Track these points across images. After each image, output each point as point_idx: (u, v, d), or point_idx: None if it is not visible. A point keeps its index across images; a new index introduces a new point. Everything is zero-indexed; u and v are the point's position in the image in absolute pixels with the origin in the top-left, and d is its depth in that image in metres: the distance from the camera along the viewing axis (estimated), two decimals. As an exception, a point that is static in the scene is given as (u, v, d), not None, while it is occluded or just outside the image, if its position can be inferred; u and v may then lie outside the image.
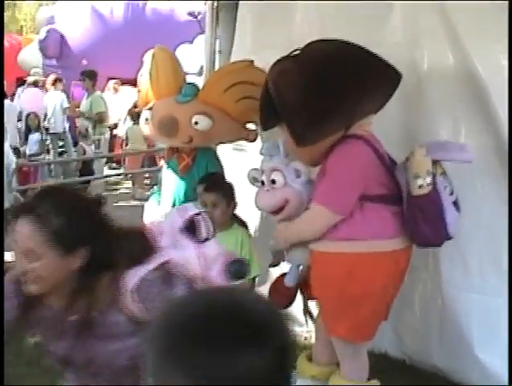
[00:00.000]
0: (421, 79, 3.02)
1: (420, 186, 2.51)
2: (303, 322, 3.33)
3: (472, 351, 3.06)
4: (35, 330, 1.86)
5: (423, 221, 2.55)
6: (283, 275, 2.95)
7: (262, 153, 2.90)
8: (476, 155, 2.75)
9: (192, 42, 10.29)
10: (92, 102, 8.64)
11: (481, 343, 3.04)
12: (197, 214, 1.80)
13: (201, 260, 1.73)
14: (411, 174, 2.52)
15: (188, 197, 3.34)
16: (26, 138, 9.05)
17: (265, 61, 3.39)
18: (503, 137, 2.83)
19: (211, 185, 3.10)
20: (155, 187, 3.79)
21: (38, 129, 9.16)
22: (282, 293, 2.93)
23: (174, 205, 3.39)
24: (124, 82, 10.81)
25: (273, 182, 2.75)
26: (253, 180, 2.89)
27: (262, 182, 2.80)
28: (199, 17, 12.87)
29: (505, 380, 2.79)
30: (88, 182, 8.40)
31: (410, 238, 2.64)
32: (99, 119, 8.76)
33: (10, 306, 1.67)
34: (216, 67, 4.25)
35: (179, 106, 3.30)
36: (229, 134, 3.45)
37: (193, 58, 9.03)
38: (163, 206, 3.48)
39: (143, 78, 3.52)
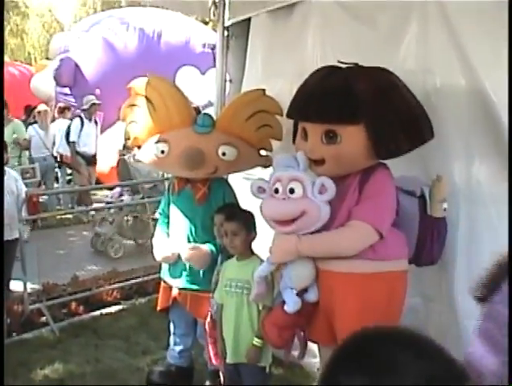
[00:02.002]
0: (435, 105, 2.98)
1: (445, 209, 2.81)
2: (316, 352, 3.25)
3: (494, 385, 2.97)
4: None
5: (437, 241, 2.84)
6: (278, 306, 2.83)
7: (275, 165, 2.84)
8: (490, 181, 2.86)
9: (203, 73, 10.34)
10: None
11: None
12: None
13: None
14: (437, 199, 2.79)
15: (205, 227, 3.34)
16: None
17: (275, 89, 3.42)
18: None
19: (232, 214, 3.10)
20: (159, 220, 3.66)
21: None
22: (282, 326, 2.85)
23: (189, 236, 3.38)
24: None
25: (291, 191, 2.65)
26: (258, 190, 2.78)
27: (276, 191, 2.70)
28: (215, 49, 12.95)
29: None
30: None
31: (415, 258, 2.86)
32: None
33: None
34: (227, 96, 4.25)
35: (202, 137, 3.27)
36: (249, 162, 3.46)
37: (202, 90, 9.14)
38: (175, 237, 3.46)
39: (138, 109, 3.37)
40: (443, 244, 2.89)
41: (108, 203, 7.63)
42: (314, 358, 3.49)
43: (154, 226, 3.68)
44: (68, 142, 8.98)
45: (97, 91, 11.11)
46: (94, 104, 9.09)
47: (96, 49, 12.30)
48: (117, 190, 7.73)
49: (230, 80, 4.21)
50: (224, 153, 3.22)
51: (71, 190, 9.89)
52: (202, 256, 3.29)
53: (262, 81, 3.89)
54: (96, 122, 9.37)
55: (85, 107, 9.13)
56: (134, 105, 3.42)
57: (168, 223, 3.53)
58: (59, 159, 9.51)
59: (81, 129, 8.94)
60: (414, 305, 3.09)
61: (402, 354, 1.07)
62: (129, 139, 3.63)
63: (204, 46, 11.89)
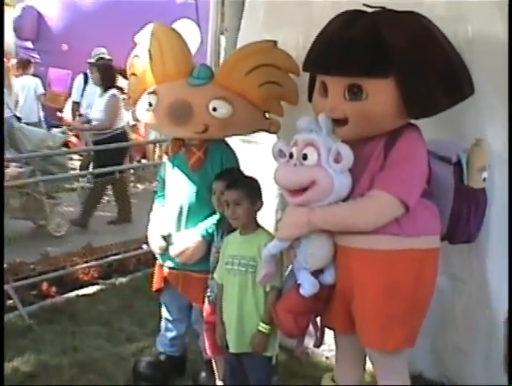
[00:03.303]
0: (467, 58, 2.85)
1: (484, 180, 2.75)
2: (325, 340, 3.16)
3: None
4: None
5: (474, 216, 2.79)
6: (293, 290, 2.75)
7: (298, 128, 2.73)
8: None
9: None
10: None
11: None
12: None
13: None
14: (476, 167, 2.71)
15: (201, 196, 3.24)
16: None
17: (279, 41, 3.28)
18: None
19: (233, 181, 2.98)
20: (158, 188, 3.60)
21: None
22: (298, 312, 2.76)
23: (183, 207, 3.28)
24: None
25: (304, 157, 2.58)
26: (279, 153, 2.73)
27: (291, 155, 2.64)
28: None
29: None
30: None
31: (448, 234, 2.81)
32: None
33: None
34: (222, 41, 4.11)
35: (194, 90, 3.15)
36: (248, 124, 3.29)
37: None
38: (170, 208, 3.36)
39: (139, 60, 3.35)
40: (481, 219, 2.83)
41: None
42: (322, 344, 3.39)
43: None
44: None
45: (64, 46, 10.85)
46: (103, 58, 8.45)
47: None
48: None
49: (226, 30, 4.05)
50: (214, 109, 3.09)
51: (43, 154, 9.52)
52: (193, 254, 3.23)
53: (263, 31, 3.73)
54: None
55: (92, 60, 8.44)
56: (136, 56, 3.37)
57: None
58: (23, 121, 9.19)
59: (84, 88, 8.43)
60: (439, 284, 3.01)
61: None
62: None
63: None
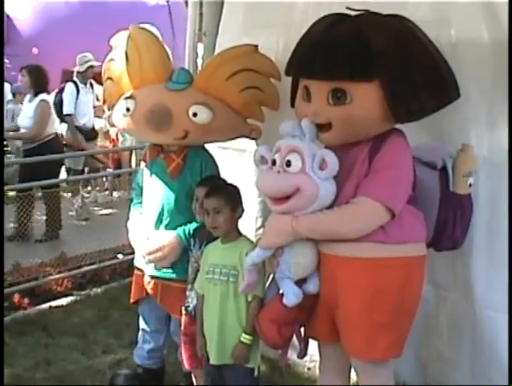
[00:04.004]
0: (451, 61, 2.84)
1: (470, 185, 2.75)
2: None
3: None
4: None
5: (460, 222, 2.78)
6: (276, 300, 2.71)
7: (280, 132, 2.68)
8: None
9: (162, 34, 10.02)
10: None
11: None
12: None
13: None
14: (461, 172, 2.72)
15: (179, 203, 3.20)
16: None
17: (259, 43, 3.26)
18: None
19: (212, 188, 2.94)
20: (133, 195, 3.57)
21: None
22: (282, 322, 2.72)
23: (161, 214, 3.23)
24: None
25: (288, 164, 2.53)
26: (260, 159, 2.68)
27: (274, 162, 2.59)
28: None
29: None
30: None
31: (434, 241, 2.79)
32: None
33: None
34: (200, 49, 4.08)
35: (173, 94, 3.12)
36: (229, 130, 3.27)
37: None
38: (147, 215, 3.32)
39: (115, 64, 3.31)
40: (467, 225, 2.83)
41: None
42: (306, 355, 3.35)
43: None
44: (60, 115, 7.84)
45: (34, 50, 10.74)
46: (92, 66, 7.99)
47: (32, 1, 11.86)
48: None
49: (204, 33, 4.01)
50: (195, 114, 3.06)
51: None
52: (167, 255, 3.19)
53: (242, 33, 3.74)
54: (92, 86, 8.37)
55: (80, 69, 8.04)
56: (112, 60, 3.32)
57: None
58: None
59: (77, 97, 7.92)
60: (424, 293, 2.99)
61: None
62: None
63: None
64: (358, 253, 2.57)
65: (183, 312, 3.14)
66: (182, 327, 3.18)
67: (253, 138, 3.31)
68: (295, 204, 2.53)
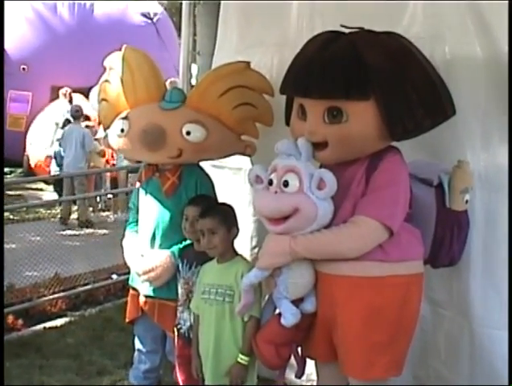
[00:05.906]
0: (444, 78, 2.87)
1: (466, 202, 2.76)
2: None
3: (511, 399, 2.93)
4: None
5: (457, 239, 2.80)
6: (274, 320, 2.71)
7: (276, 151, 2.69)
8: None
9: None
10: None
11: (520, 390, 2.92)
12: None
13: None
14: (458, 189, 2.73)
15: (175, 222, 3.20)
16: None
17: (253, 62, 3.30)
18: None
19: (207, 209, 2.95)
20: (130, 215, 3.56)
21: None
22: (279, 342, 2.72)
23: (156, 233, 3.24)
24: (74, 91, 10.56)
25: (285, 184, 2.54)
26: (255, 179, 2.69)
27: (270, 182, 2.59)
28: (154, 19, 12.77)
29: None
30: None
31: (431, 258, 2.81)
32: None
33: None
34: (194, 69, 4.11)
35: (166, 114, 3.15)
36: (223, 147, 3.29)
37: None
38: (143, 234, 3.32)
39: (109, 85, 3.34)
40: (464, 241, 2.84)
41: None
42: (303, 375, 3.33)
43: None
44: None
45: (24, 67, 10.77)
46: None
47: (22, 18, 11.85)
48: None
49: (198, 53, 4.05)
50: (188, 133, 3.08)
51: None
52: (161, 274, 3.19)
53: (236, 53, 3.76)
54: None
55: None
56: (106, 81, 3.35)
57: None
58: None
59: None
60: (421, 310, 2.99)
61: None
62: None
63: (143, 15, 11.65)
64: (357, 272, 2.57)
65: (176, 333, 3.15)
66: (176, 350, 3.18)
67: (247, 155, 3.32)
68: (294, 225, 2.53)
